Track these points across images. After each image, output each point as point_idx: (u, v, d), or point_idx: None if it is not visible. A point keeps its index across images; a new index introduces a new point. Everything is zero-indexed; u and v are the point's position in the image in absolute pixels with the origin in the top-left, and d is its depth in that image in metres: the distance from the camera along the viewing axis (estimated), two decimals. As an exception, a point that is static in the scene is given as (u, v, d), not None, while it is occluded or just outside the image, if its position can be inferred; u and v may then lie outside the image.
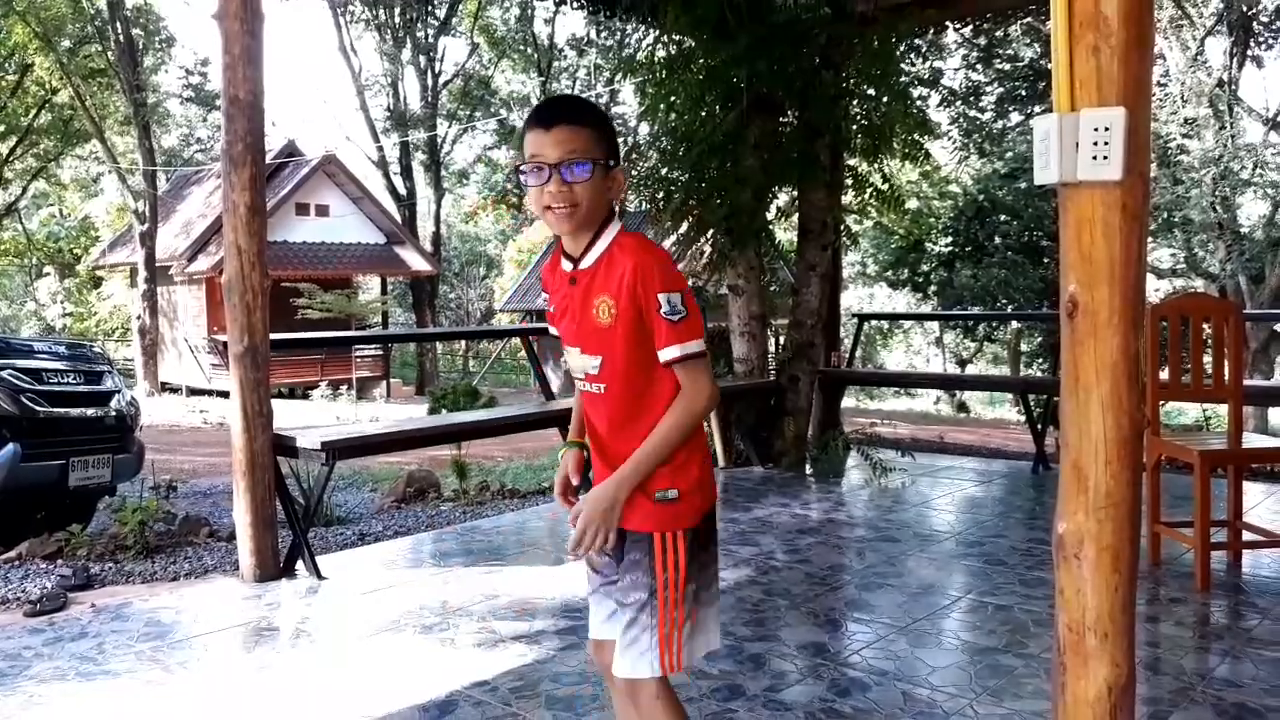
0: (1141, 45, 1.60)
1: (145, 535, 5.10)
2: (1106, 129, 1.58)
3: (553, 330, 1.99)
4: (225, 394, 4.62)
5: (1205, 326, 4.21)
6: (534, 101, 24.93)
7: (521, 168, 1.83)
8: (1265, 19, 16.04)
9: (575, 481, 2.01)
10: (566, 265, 1.90)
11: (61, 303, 31.12)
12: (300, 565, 4.33)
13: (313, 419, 14.87)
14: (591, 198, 1.80)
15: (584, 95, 24.85)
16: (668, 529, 1.82)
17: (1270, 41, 16.31)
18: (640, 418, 1.85)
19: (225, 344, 4.29)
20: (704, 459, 1.90)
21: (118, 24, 21.89)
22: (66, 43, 22.51)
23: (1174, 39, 16.31)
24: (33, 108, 24.30)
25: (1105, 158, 1.59)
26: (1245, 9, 15.62)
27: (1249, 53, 16.21)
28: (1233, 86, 16.14)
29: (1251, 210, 17.36)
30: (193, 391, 22.86)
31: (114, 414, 5.90)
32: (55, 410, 5.56)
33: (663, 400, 1.83)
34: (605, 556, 1.89)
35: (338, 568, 4.42)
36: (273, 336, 4.35)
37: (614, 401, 1.86)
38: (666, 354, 1.79)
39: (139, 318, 23.68)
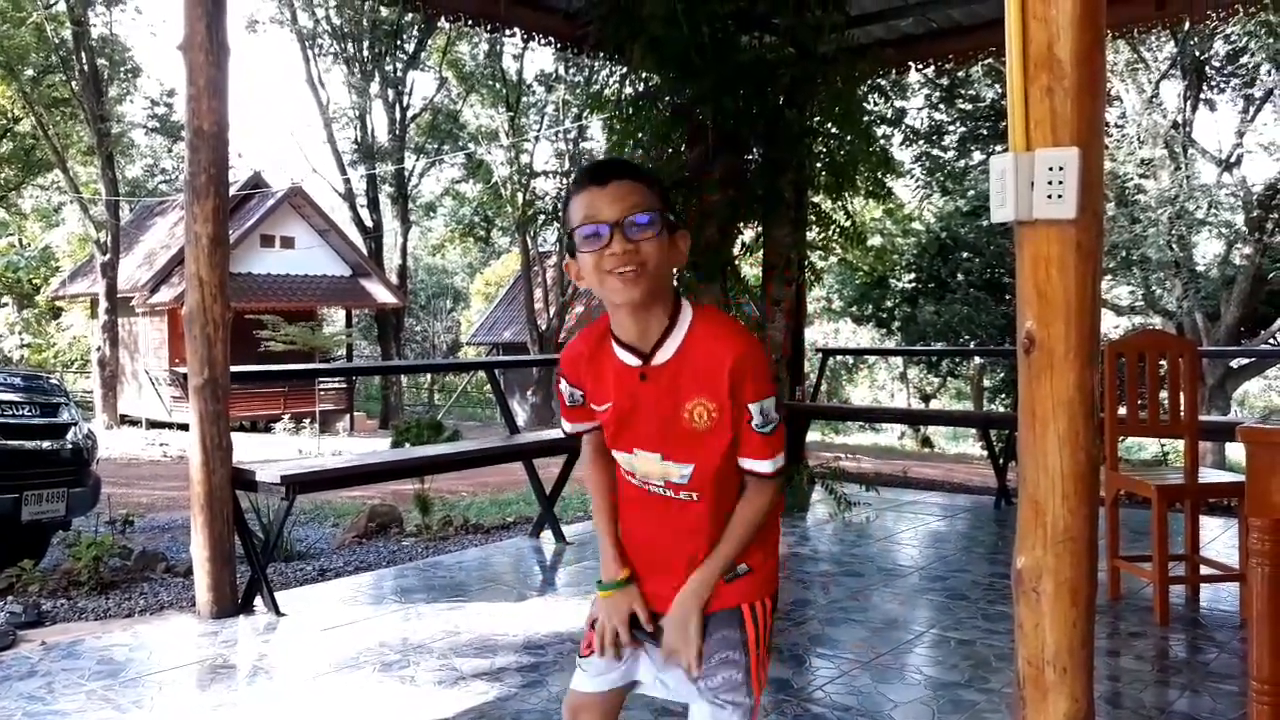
0: (1094, 87, 1.64)
1: (100, 571, 5.00)
2: (1061, 168, 1.62)
3: (568, 426, 1.84)
4: (186, 427, 4.55)
5: (1162, 363, 4.28)
6: (503, 136, 24.99)
7: (577, 232, 1.59)
8: (1217, 64, 16.46)
9: (648, 628, 1.74)
10: (628, 357, 1.66)
11: (19, 333, 30.57)
12: (259, 601, 4.26)
13: (274, 453, 14.69)
14: (659, 259, 1.58)
15: (552, 129, 25.01)
16: (755, 599, 1.70)
17: (1222, 85, 16.73)
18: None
19: (186, 376, 4.24)
20: (775, 523, 1.78)
21: (82, 54, 21.69)
22: (30, 72, 22.29)
23: (1130, 82, 16.69)
24: (-7, 137, 24.07)
25: (1060, 196, 1.62)
26: (1198, 54, 16.02)
27: (1202, 96, 16.61)
28: (1187, 128, 16.52)
29: (1206, 249, 17.71)
30: (153, 424, 22.51)
31: (70, 446, 5.79)
32: (9, 443, 5.45)
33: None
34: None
35: (297, 604, 4.35)
36: (234, 369, 4.31)
37: (707, 510, 1.68)
38: (757, 466, 1.65)
39: (99, 349, 23.30)
